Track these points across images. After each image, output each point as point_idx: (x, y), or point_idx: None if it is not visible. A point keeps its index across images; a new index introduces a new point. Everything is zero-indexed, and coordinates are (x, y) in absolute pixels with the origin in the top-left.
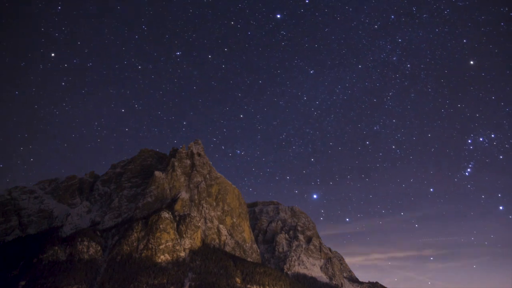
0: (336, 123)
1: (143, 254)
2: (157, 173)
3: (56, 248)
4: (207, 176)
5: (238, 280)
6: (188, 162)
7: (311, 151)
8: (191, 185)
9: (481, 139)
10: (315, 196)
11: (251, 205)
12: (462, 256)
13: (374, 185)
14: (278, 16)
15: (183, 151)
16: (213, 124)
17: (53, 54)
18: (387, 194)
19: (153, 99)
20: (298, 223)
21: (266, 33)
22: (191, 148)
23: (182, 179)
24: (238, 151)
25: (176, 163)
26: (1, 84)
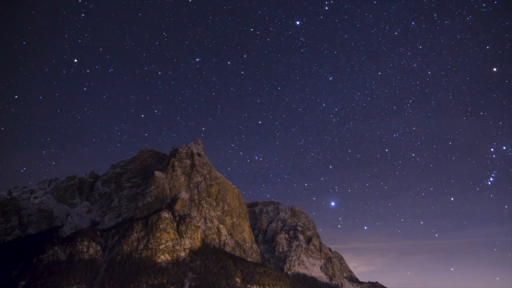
0: (355, 130)
1: (143, 254)
2: (157, 173)
3: (56, 248)
4: (207, 176)
5: (238, 280)
6: (188, 162)
7: (329, 158)
8: (191, 185)
9: (504, 147)
10: (333, 204)
11: (251, 205)
12: (485, 267)
13: (393, 193)
14: (297, 22)
15: (183, 151)
16: (231, 130)
17: (76, 60)
18: (406, 202)
19: (173, 104)
20: (298, 223)
21: (285, 39)
22: (191, 148)
23: (182, 179)
24: (256, 157)
25: (176, 163)
26: (26, 89)
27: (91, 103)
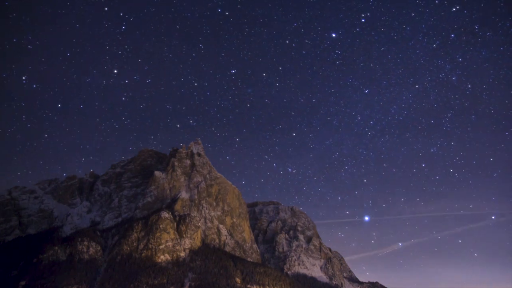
0: (391, 144)
1: (143, 254)
2: (157, 173)
3: (56, 248)
4: (207, 176)
5: (238, 280)
6: (188, 162)
7: (364, 172)
8: (191, 185)
9: None
10: (366, 218)
11: (251, 205)
12: None
13: (430, 209)
14: (333, 35)
15: (183, 151)
16: (265, 141)
17: (115, 71)
18: (443, 219)
19: (208, 115)
20: (298, 223)
21: (321, 52)
22: (191, 148)
23: (182, 179)
24: (290, 169)
25: (176, 163)
26: (69, 98)
27: (128, 113)
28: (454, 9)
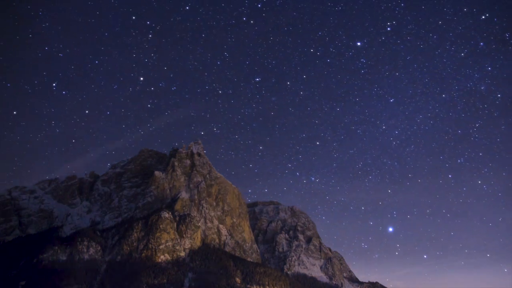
0: (416, 154)
1: (143, 254)
2: (157, 173)
3: (56, 248)
4: (207, 176)
5: (238, 280)
6: (188, 162)
7: (388, 182)
8: (191, 185)
9: None
10: (390, 230)
11: (251, 205)
12: None
13: (456, 222)
14: (358, 43)
15: (183, 151)
16: (289, 150)
17: (141, 78)
18: (471, 232)
19: (232, 123)
20: (298, 223)
21: (346, 60)
22: (191, 148)
23: (182, 179)
24: (313, 178)
25: (176, 163)
26: (96, 104)
27: (153, 119)
28: (483, 17)
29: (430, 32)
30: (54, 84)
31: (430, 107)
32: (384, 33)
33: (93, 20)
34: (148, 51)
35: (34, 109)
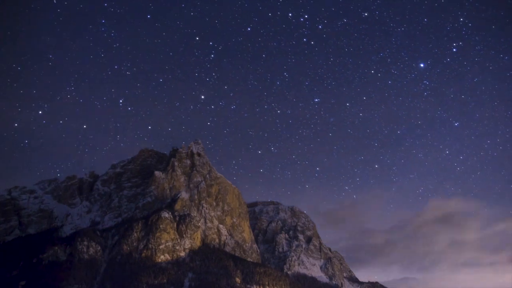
0: (483, 181)
1: (143, 254)
2: (157, 173)
3: (56, 248)
4: (207, 176)
5: (238, 280)
6: (188, 162)
7: None
8: (191, 185)
9: None
10: None
11: (251, 205)
12: None
13: None
14: (422, 65)
15: (183, 151)
16: (346, 172)
17: (203, 97)
18: None
19: (289, 143)
20: (298, 223)
21: (408, 82)
22: (191, 148)
23: (182, 179)
24: None
25: (176, 163)
26: (159, 121)
27: (212, 137)
28: None
29: (500, 53)
30: (120, 101)
31: (500, 132)
32: (449, 54)
33: (159, 41)
34: (209, 70)
35: (102, 123)
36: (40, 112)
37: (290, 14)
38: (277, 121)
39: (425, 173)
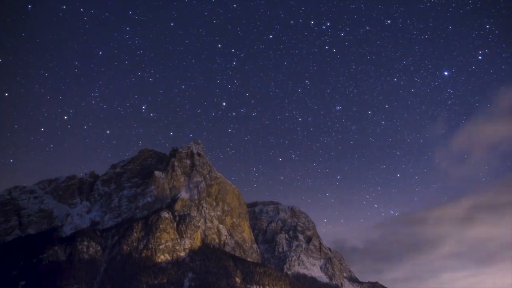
0: (504, 194)
1: (143, 254)
2: (157, 173)
3: (56, 248)
4: (207, 176)
5: (238, 280)
6: (188, 162)
7: None
8: (191, 185)
9: None
10: None
11: (251, 205)
12: None
13: None
14: (446, 73)
15: (183, 151)
16: (367, 181)
17: (224, 104)
18: None
19: (310, 150)
20: (298, 223)
21: (431, 90)
22: (191, 148)
23: (182, 179)
24: (392, 211)
25: (176, 163)
26: (180, 128)
27: (233, 144)
28: None
29: None
30: (143, 107)
31: None
32: (475, 62)
33: (182, 48)
34: (231, 77)
35: (125, 129)
36: (65, 117)
37: (312, 22)
38: (298, 128)
39: (448, 182)
